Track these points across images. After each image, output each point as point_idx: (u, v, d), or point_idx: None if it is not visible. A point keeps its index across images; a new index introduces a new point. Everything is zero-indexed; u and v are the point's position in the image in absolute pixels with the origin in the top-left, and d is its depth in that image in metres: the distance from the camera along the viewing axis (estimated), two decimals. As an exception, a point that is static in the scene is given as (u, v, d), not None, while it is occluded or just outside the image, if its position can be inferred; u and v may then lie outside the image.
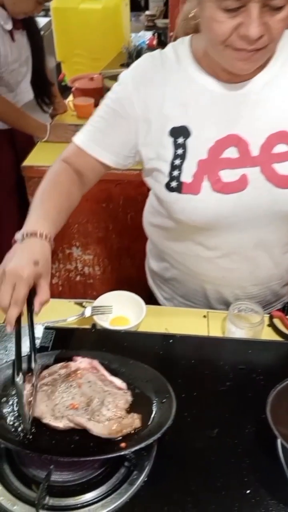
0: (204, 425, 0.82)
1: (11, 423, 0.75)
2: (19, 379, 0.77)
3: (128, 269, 2.05)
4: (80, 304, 1.17)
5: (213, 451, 0.77)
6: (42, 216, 0.93)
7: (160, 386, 0.80)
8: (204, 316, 1.15)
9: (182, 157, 0.93)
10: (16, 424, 0.75)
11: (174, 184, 0.95)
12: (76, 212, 1.89)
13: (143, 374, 0.83)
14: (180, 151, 0.94)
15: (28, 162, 1.87)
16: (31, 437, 0.73)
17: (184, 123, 0.93)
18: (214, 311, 1.18)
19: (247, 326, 1.00)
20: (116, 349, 0.95)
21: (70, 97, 2.35)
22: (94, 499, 0.70)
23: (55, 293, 2.15)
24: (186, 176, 0.93)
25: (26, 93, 2.10)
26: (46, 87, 2.17)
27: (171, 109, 0.93)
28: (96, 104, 1.99)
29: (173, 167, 0.94)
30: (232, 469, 0.75)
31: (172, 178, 0.95)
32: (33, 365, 0.81)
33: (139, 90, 0.94)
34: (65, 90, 2.51)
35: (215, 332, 1.07)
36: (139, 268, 2.06)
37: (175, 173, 0.94)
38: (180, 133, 0.93)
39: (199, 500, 0.71)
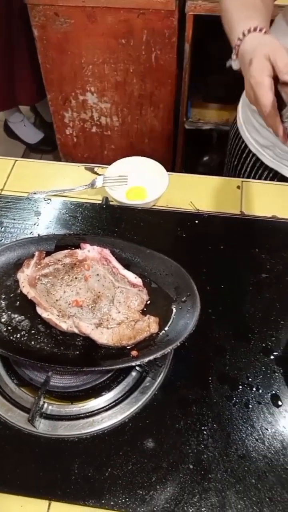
0: (231, 325, 0.70)
1: (5, 321, 0.64)
2: None
3: (151, 121, 1.81)
4: (92, 170, 0.99)
5: (242, 357, 0.67)
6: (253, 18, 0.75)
7: (181, 281, 0.66)
8: (238, 187, 0.97)
9: None
10: (12, 322, 0.64)
11: None
12: (89, 49, 1.62)
13: (161, 265, 0.69)
14: None
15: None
16: (26, 337, 0.62)
17: None
18: (250, 181, 1.00)
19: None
20: (131, 231, 0.80)
21: None
22: (100, 408, 0.61)
23: (70, 144, 1.96)
24: None
25: None
26: None
27: None
28: None
29: None
30: (263, 379, 0.65)
31: None
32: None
33: None
34: None
35: (250, 208, 0.90)
36: (164, 119, 1.82)
37: None
38: None
39: (222, 414, 0.62)
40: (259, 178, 1.06)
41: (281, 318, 0.70)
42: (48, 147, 2.21)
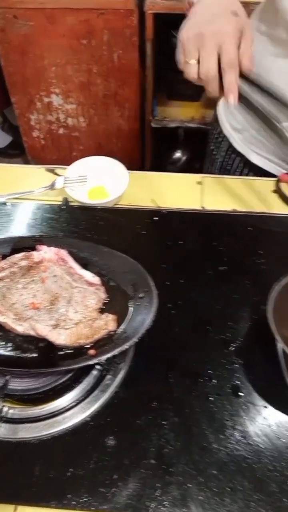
0: (191, 319, 0.70)
1: None
2: None
3: (117, 120, 1.81)
4: (52, 172, 0.99)
5: (201, 350, 0.67)
6: None
7: (138, 278, 0.67)
8: (199, 183, 0.98)
9: None
10: None
11: None
12: (51, 51, 1.61)
13: (119, 263, 0.69)
14: None
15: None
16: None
17: None
18: (211, 176, 1.00)
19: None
20: (91, 230, 0.81)
21: None
22: (62, 408, 0.61)
23: (37, 147, 1.94)
24: None
25: None
26: None
27: None
28: None
29: None
30: (222, 371, 0.65)
31: None
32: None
33: None
34: None
35: (211, 203, 0.91)
36: (130, 118, 1.82)
37: None
38: None
39: (182, 407, 0.62)
40: (231, 164, 1.07)
41: (239, 309, 0.70)
42: (15, 151, 2.20)
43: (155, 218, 0.83)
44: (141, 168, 1.93)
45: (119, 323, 0.63)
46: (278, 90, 0.83)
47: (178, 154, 2.07)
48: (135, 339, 0.60)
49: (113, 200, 0.89)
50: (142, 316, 0.63)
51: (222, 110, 1.08)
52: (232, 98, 0.68)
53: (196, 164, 1.84)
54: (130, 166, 1.05)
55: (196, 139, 1.67)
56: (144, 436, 0.59)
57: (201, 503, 0.55)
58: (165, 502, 0.55)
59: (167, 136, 1.93)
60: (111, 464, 0.58)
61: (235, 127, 1.03)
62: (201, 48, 0.67)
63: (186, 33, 0.69)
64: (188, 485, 0.56)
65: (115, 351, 0.59)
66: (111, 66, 1.64)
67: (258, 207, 0.90)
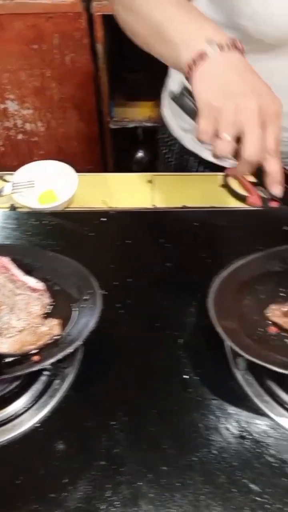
0: (139, 317, 0.71)
1: None
2: None
3: (76, 123, 1.81)
4: (1, 178, 0.98)
5: (150, 347, 0.67)
6: (212, 23, 0.62)
7: (83, 280, 0.66)
8: (149, 181, 0.98)
9: None
10: None
11: None
12: (2, 57, 1.59)
13: (65, 267, 0.69)
14: None
15: None
16: None
17: None
18: (161, 174, 1.01)
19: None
20: (38, 235, 0.80)
21: None
22: (10, 416, 0.60)
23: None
24: None
25: None
26: None
27: None
28: None
29: None
30: (171, 367, 0.65)
31: None
32: None
33: None
34: None
35: (162, 201, 0.92)
36: (89, 121, 1.81)
37: None
38: None
39: (131, 406, 0.62)
40: (186, 165, 1.07)
41: (186, 304, 0.71)
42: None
43: (102, 219, 0.83)
44: (104, 170, 1.93)
45: (64, 327, 0.63)
46: None
47: (140, 154, 2.08)
48: (79, 342, 0.60)
49: (62, 204, 0.89)
50: (87, 318, 0.63)
51: (168, 113, 1.09)
52: (279, 189, 0.59)
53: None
54: (92, 169, 1.06)
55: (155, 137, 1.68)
56: (94, 438, 0.59)
57: (152, 500, 0.55)
58: (116, 503, 0.55)
59: (131, 136, 1.93)
60: (61, 468, 0.57)
61: (184, 128, 1.04)
62: (242, 124, 0.56)
63: (216, 99, 0.56)
64: (139, 483, 0.56)
65: (59, 356, 0.59)
66: (64, 69, 1.64)
67: (207, 202, 0.91)
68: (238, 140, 0.58)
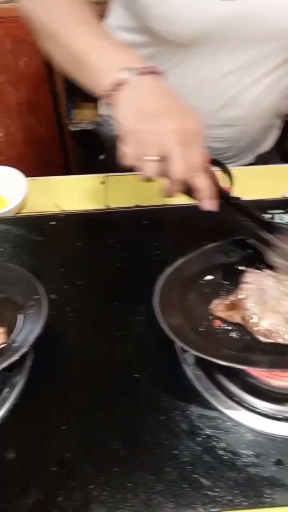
0: (90, 319, 0.70)
1: None
2: None
3: (35, 127, 1.79)
4: None
5: (101, 349, 0.67)
6: (130, 50, 0.63)
7: (28, 287, 0.66)
8: (103, 182, 0.98)
9: None
10: None
11: None
12: None
13: (10, 274, 0.68)
14: None
15: None
16: None
17: None
18: (114, 175, 1.01)
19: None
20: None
21: None
22: None
23: None
24: None
25: None
26: None
27: None
28: None
29: None
30: (122, 367, 0.65)
31: None
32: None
33: None
34: None
35: (115, 201, 0.91)
36: (48, 124, 1.80)
37: None
38: None
39: (82, 410, 0.62)
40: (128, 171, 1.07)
41: (136, 303, 0.71)
42: None
43: (51, 223, 0.82)
44: (67, 173, 1.91)
45: (9, 335, 0.62)
46: None
47: (105, 155, 2.07)
48: (24, 349, 0.59)
49: (12, 210, 0.88)
50: (32, 325, 0.62)
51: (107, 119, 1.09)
52: (212, 203, 0.62)
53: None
54: (55, 172, 1.05)
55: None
56: (45, 444, 0.59)
57: (104, 502, 0.55)
58: (68, 508, 0.55)
59: (95, 138, 1.92)
60: (12, 478, 0.57)
61: None
62: (165, 146, 0.56)
63: (136, 124, 0.57)
64: (90, 486, 0.56)
65: (4, 364, 0.58)
66: (19, 74, 1.62)
67: (160, 200, 0.91)
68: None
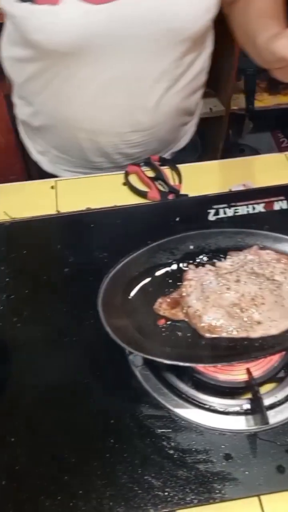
0: (38, 328, 0.69)
1: None
2: None
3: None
4: None
5: (50, 358, 0.66)
6: None
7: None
8: (52, 187, 0.97)
9: None
10: None
11: None
12: None
13: None
14: None
15: None
16: None
17: None
18: (64, 179, 1.00)
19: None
20: None
21: None
22: None
23: None
24: None
25: None
26: None
27: None
28: None
29: None
30: (71, 375, 0.64)
31: None
32: None
33: None
34: None
35: (66, 206, 0.90)
36: (4, 131, 1.78)
37: None
38: None
39: (30, 420, 0.61)
40: None
41: (85, 308, 0.69)
42: None
43: (-2, 231, 0.81)
44: (28, 179, 1.89)
45: None
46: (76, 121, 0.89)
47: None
48: None
49: None
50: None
51: (24, 135, 1.11)
52: None
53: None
54: (17, 179, 1.04)
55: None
56: (-7, 458, 0.58)
57: (55, 512, 0.54)
58: (18, 522, 0.54)
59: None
60: None
61: (39, 150, 1.06)
62: None
63: None
64: (41, 498, 0.55)
65: None
66: None
67: (110, 202, 0.90)
68: None
